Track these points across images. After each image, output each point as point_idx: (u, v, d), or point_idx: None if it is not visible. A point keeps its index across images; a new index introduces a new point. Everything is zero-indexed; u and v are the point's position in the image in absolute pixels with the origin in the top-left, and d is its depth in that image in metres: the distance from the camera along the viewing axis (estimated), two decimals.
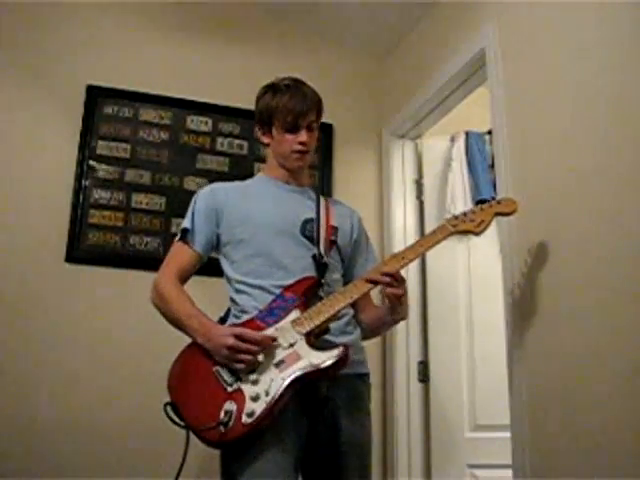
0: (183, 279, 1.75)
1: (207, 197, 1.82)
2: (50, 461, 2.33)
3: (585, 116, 1.83)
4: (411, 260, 1.67)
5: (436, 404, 2.75)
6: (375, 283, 1.63)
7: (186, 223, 1.79)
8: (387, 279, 1.61)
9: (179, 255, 1.77)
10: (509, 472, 1.97)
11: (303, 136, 1.77)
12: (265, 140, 1.86)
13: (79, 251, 2.58)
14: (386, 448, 2.74)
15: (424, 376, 2.80)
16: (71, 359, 2.47)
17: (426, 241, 1.72)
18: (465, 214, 1.78)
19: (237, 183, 1.93)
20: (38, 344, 2.45)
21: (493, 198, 1.81)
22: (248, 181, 1.95)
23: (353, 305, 1.78)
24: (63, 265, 2.56)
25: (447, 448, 2.69)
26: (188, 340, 1.67)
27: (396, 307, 1.71)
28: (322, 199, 1.87)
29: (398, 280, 1.62)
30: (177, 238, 1.81)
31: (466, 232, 1.75)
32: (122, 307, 2.58)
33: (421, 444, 2.73)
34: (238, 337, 1.52)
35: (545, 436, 1.83)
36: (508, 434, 2.01)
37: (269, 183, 1.86)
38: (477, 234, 1.74)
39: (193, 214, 1.80)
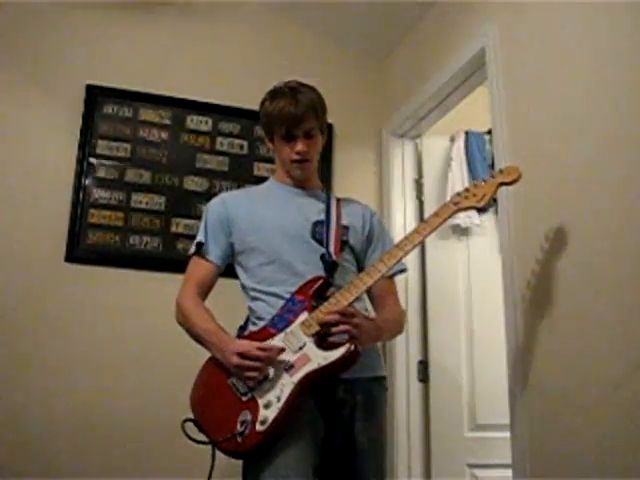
0: (204, 293, 1.76)
1: (218, 208, 1.81)
2: (51, 462, 2.33)
3: (585, 115, 1.82)
4: (395, 262, 1.63)
5: (436, 404, 2.75)
6: (326, 324, 1.53)
7: (200, 237, 1.79)
8: (335, 317, 1.52)
9: (197, 270, 1.77)
10: (509, 472, 1.97)
11: (299, 145, 1.75)
12: (271, 146, 1.86)
13: (79, 251, 2.58)
14: (386, 448, 2.73)
15: (424, 376, 2.80)
16: (71, 358, 2.47)
17: (428, 225, 1.66)
18: (467, 190, 1.72)
19: (247, 190, 1.92)
20: (38, 343, 2.45)
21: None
22: (258, 187, 1.94)
23: (372, 302, 1.79)
24: (63, 265, 2.56)
25: (447, 448, 2.69)
26: (189, 340, 1.68)
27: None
28: (333, 200, 1.85)
29: (346, 315, 1.53)
30: (192, 252, 1.80)
31: (469, 208, 1.70)
32: (122, 306, 2.58)
33: (421, 444, 2.73)
34: (241, 355, 1.51)
35: (545, 436, 1.83)
36: (508, 434, 2.01)
37: (278, 188, 1.85)
38: (480, 208, 1.69)
39: (206, 226, 1.79)
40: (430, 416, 2.74)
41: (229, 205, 1.81)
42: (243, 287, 1.79)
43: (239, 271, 1.80)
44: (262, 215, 1.77)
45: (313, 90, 1.81)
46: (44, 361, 2.44)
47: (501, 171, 1.75)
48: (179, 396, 1.66)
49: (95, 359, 2.49)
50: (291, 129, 1.74)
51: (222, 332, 1.63)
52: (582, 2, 1.89)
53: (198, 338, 1.66)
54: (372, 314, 1.77)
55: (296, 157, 1.76)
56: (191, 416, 1.56)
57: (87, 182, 2.66)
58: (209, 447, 1.51)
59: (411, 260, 2.89)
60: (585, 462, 1.66)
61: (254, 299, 1.73)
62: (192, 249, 1.80)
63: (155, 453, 2.42)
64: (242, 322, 1.76)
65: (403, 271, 1.86)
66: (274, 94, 1.79)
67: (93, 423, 2.41)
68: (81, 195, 2.64)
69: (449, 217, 1.69)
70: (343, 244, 1.75)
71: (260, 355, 1.51)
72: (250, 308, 1.75)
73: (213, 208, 1.83)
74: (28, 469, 2.28)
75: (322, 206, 1.81)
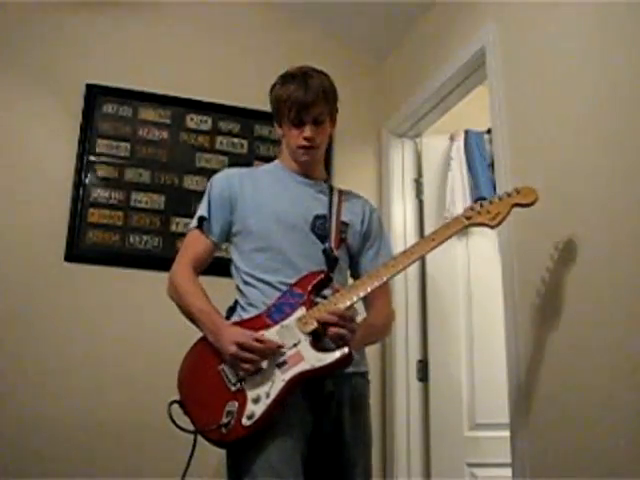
0: (199, 269, 1.75)
1: (222, 184, 1.80)
2: (50, 461, 2.33)
3: (585, 114, 1.83)
4: (395, 274, 1.60)
5: (435, 403, 2.75)
6: (325, 323, 1.52)
7: (202, 211, 1.77)
8: (335, 318, 1.50)
9: (195, 245, 1.76)
10: (508, 471, 1.97)
11: (307, 131, 1.73)
12: (279, 131, 1.84)
13: (78, 250, 2.58)
14: (385, 447, 2.74)
15: (423, 375, 2.80)
16: (70, 357, 2.47)
17: (437, 236, 1.63)
18: (482, 205, 1.69)
19: (252, 169, 1.90)
20: (37, 342, 2.45)
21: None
22: (263, 167, 1.92)
23: (363, 301, 1.77)
24: (62, 264, 2.56)
25: (446, 447, 2.69)
26: (188, 336, 1.67)
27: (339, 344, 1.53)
28: (335, 193, 1.84)
29: (346, 319, 1.52)
30: (193, 225, 1.79)
31: (481, 225, 1.67)
32: (122, 306, 2.58)
33: (420, 443, 2.73)
34: (240, 346, 1.50)
35: (544, 435, 1.83)
36: (507, 433, 2.01)
37: (284, 174, 1.83)
38: (492, 227, 1.66)
39: (209, 202, 1.78)
40: (429, 415, 2.74)
41: (233, 182, 1.79)
42: (235, 268, 1.77)
43: (233, 252, 1.79)
44: (265, 199, 1.76)
45: (325, 76, 1.79)
46: (43, 360, 2.44)
47: (518, 191, 1.71)
48: None
49: (95, 358, 2.49)
50: (300, 114, 1.72)
51: (217, 315, 1.63)
52: (582, 2, 1.89)
53: (191, 316, 1.66)
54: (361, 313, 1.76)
55: (303, 143, 1.75)
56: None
57: (87, 181, 2.66)
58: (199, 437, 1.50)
59: None
60: (584, 461, 1.66)
61: (246, 283, 1.72)
62: (193, 222, 1.79)
63: (157, 451, 2.41)
64: (231, 303, 1.75)
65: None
66: (285, 78, 1.77)
67: (94, 423, 2.41)
68: (81, 194, 2.64)
69: (459, 231, 1.67)
70: (340, 241, 1.75)
71: (259, 348, 1.50)
72: (240, 291, 1.73)
73: (217, 183, 1.81)
74: (28, 469, 2.28)
75: (325, 199, 1.80)
